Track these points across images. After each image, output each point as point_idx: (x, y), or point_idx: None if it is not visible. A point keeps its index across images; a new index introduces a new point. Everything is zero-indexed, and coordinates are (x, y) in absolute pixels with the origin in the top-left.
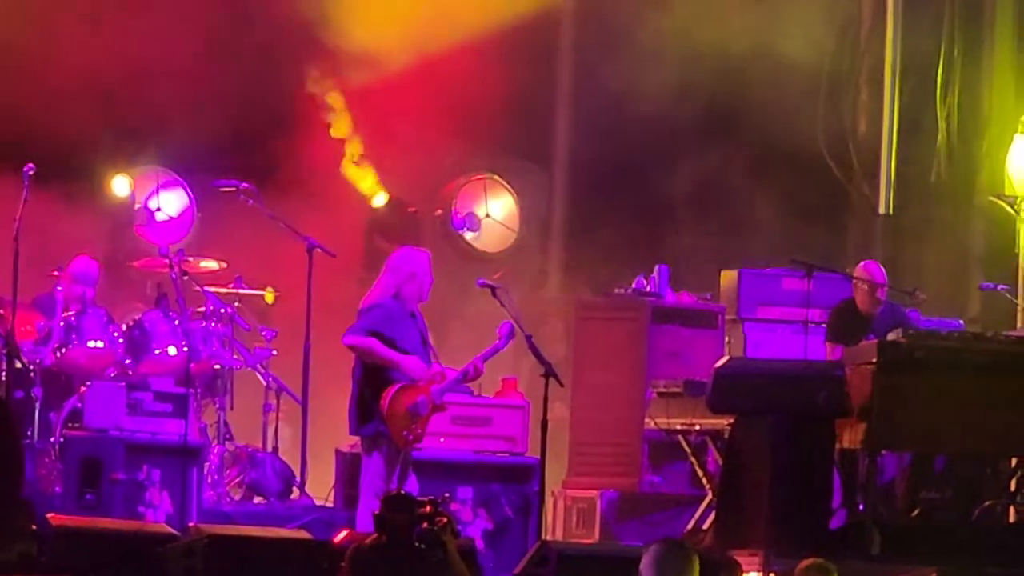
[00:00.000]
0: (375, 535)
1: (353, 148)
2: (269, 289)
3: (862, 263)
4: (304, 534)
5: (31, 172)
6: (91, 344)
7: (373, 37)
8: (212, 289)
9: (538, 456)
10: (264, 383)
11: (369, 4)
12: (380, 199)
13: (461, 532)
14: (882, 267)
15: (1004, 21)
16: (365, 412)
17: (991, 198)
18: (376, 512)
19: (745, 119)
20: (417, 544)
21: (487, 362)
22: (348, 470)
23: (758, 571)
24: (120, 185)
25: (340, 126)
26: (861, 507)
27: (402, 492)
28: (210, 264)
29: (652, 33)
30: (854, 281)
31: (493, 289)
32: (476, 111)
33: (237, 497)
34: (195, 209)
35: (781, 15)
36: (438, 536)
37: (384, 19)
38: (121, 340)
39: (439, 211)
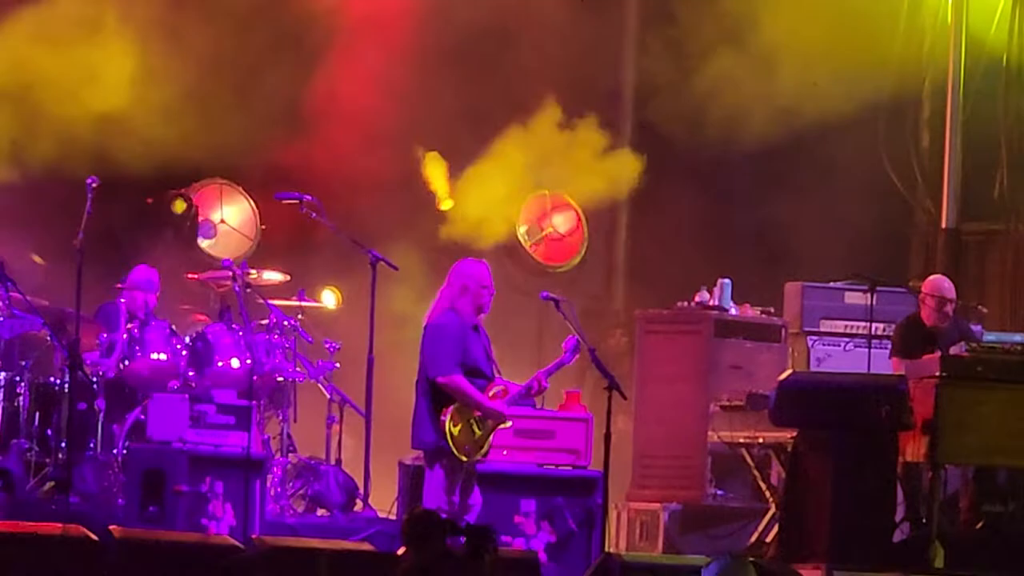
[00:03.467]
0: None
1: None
2: (332, 289)
3: (930, 278)
4: (367, 547)
5: (94, 184)
6: (154, 356)
7: None
8: (275, 302)
9: (601, 469)
10: (327, 395)
11: None
12: (447, 206)
13: (524, 545)
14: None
15: None
16: (427, 425)
17: None
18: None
19: (809, 133)
20: (458, 555)
21: (551, 376)
22: (411, 483)
23: None
24: (182, 202)
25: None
26: (924, 520)
27: (422, 510)
28: (273, 276)
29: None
30: (921, 296)
31: (557, 302)
32: None
33: (300, 509)
34: (258, 222)
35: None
36: (480, 549)
37: None
38: (184, 352)
39: None
